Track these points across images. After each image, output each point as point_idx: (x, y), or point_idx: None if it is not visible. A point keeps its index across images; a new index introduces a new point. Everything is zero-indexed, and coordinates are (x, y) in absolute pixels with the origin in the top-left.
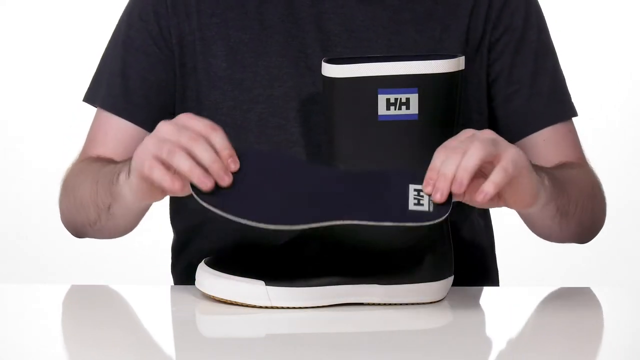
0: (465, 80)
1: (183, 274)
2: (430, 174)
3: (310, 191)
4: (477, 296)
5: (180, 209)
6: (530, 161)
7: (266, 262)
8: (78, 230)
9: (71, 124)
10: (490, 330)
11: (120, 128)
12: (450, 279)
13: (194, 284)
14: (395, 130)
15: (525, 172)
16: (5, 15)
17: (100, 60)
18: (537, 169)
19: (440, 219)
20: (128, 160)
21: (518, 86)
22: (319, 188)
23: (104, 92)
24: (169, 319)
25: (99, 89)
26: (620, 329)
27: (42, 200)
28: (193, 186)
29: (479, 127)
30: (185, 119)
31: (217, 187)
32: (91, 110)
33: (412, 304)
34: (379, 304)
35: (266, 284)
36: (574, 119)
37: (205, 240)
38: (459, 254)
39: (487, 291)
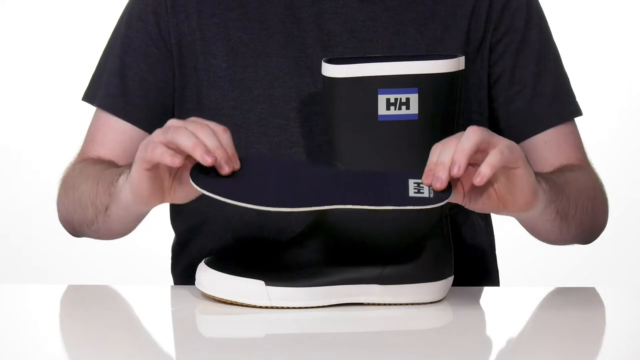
0: (466, 81)
1: (183, 274)
2: (427, 167)
3: (311, 181)
4: (477, 296)
5: (180, 210)
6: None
7: (266, 262)
8: (75, 229)
9: (70, 123)
10: (490, 330)
11: (118, 128)
12: (450, 279)
13: (194, 284)
14: (395, 130)
15: (522, 162)
16: (5, 15)
17: (99, 60)
18: (535, 174)
19: (442, 203)
20: (130, 164)
21: (520, 87)
22: (320, 182)
23: (102, 92)
24: (169, 319)
25: (98, 88)
26: (620, 329)
27: (41, 200)
28: (192, 172)
29: None
30: (197, 118)
31: (216, 174)
32: (90, 110)
33: (412, 304)
34: (379, 304)
35: (266, 284)
36: (578, 118)
37: (205, 241)
38: (459, 254)
39: (487, 291)
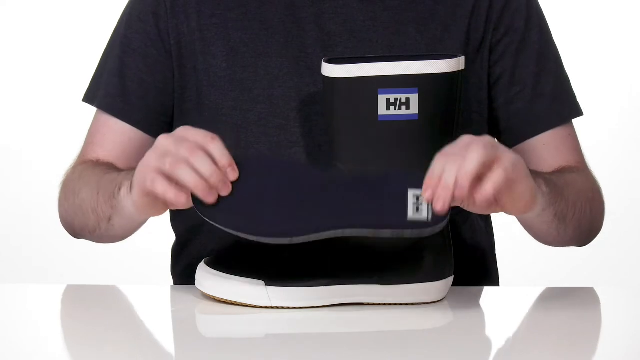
0: (466, 81)
1: (183, 275)
2: (429, 180)
3: (310, 200)
4: (477, 296)
5: (180, 210)
6: (528, 168)
7: (266, 262)
8: (76, 233)
9: (70, 123)
10: (490, 330)
11: (118, 130)
12: (450, 279)
13: (194, 284)
14: (395, 130)
15: (523, 176)
16: (5, 15)
17: (100, 60)
18: (535, 175)
19: (438, 229)
20: (129, 171)
21: (520, 88)
22: (318, 196)
23: (102, 93)
24: (169, 319)
25: (98, 89)
26: (619, 329)
27: (41, 200)
28: (194, 199)
29: (479, 128)
30: (183, 131)
31: (218, 197)
32: (90, 111)
33: (412, 304)
34: (379, 304)
35: (266, 284)
36: (578, 118)
37: (204, 241)
38: (460, 255)
39: (487, 291)
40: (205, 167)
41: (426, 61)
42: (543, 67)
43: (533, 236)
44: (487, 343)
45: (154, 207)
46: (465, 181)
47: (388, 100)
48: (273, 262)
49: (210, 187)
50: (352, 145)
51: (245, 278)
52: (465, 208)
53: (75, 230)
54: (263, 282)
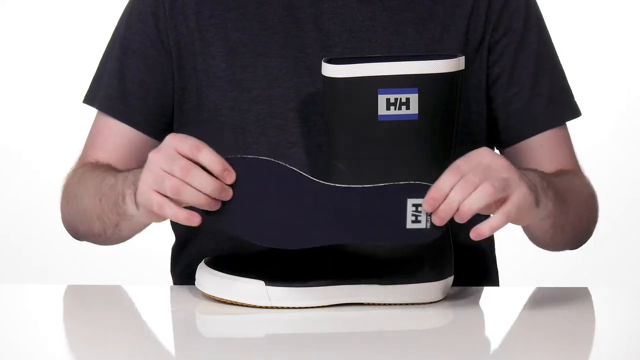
0: (465, 81)
1: (183, 275)
2: (434, 192)
3: (310, 210)
4: (477, 296)
5: None
6: (541, 174)
7: (266, 262)
8: (80, 236)
9: (70, 123)
10: (490, 330)
11: (118, 131)
12: (450, 279)
13: (193, 284)
14: (395, 130)
15: (527, 212)
16: (5, 15)
17: (100, 62)
18: (546, 183)
19: (436, 236)
20: (125, 176)
21: (519, 88)
22: (316, 207)
23: (102, 94)
24: (169, 319)
25: (98, 90)
26: (619, 329)
27: (41, 200)
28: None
29: (478, 128)
30: (172, 142)
31: (222, 204)
32: (90, 111)
33: (412, 304)
34: (379, 304)
35: (266, 284)
36: (577, 119)
37: (204, 241)
38: (459, 255)
39: (487, 291)
40: (204, 184)
41: (426, 61)
42: (541, 68)
43: (528, 236)
44: (487, 343)
45: (162, 218)
46: (467, 215)
47: (388, 100)
48: (273, 262)
49: (213, 198)
50: (352, 145)
51: (245, 278)
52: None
53: (79, 234)
54: (263, 282)
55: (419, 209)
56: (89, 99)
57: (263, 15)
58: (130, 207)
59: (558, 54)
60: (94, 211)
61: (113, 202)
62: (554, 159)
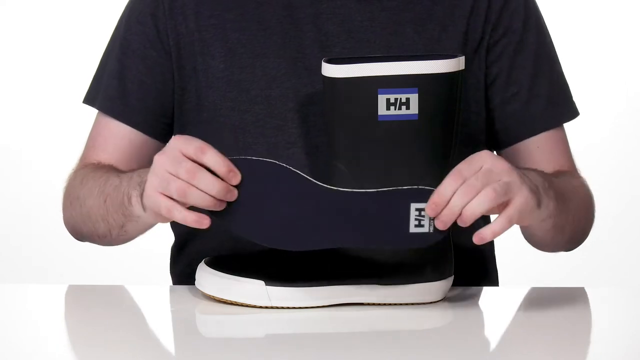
0: (464, 81)
1: (182, 275)
2: (436, 197)
3: (313, 212)
4: (477, 296)
5: None
6: (542, 174)
7: (266, 262)
8: (84, 237)
9: (70, 123)
10: (490, 330)
11: (119, 132)
12: (450, 279)
13: (193, 284)
14: (395, 130)
15: (529, 215)
16: (5, 15)
17: (100, 62)
18: (547, 183)
19: (439, 239)
20: (130, 177)
21: (517, 89)
22: (319, 210)
23: (102, 95)
24: (169, 318)
25: (98, 91)
26: (617, 329)
27: (41, 200)
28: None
29: (478, 128)
30: (176, 144)
31: (227, 204)
32: (91, 112)
33: (412, 304)
34: (379, 304)
35: (266, 284)
36: (576, 118)
37: (203, 241)
38: (459, 255)
39: (487, 291)
40: (209, 186)
41: (426, 61)
42: (540, 69)
43: (526, 238)
44: (487, 343)
45: (169, 220)
46: (470, 219)
47: (388, 100)
48: (273, 262)
49: (219, 199)
50: (352, 145)
51: (245, 278)
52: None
53: (83, 235)
54: (263, 282)
55: (422, 213)
56: (89, 99)
57: (262, 15)
58: (136, 208)
59: (557, 55)
60: (98, 212)
61: (118, 203)
62: (551, 160)
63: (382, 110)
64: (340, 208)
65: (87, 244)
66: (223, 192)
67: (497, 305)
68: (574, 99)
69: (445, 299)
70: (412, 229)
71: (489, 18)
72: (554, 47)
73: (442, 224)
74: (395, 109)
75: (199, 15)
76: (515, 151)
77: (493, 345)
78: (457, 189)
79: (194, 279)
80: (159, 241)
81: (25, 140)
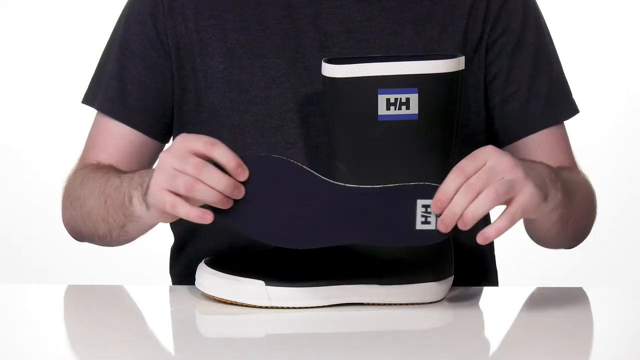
0: (464, 81)
1: (181, 275)
2: (440, 195)
3: (322, 210)
4: (477, 296)
5: None
6: (548, 166)
7: (266, 262)
8: (83, 238)
9: (70, 123)
10: (490, 330)
11: (118, 132)
12: (450, 279)
13: (192, 285)
14: (395, 130)
15: (535, 209)
16: (5, 15)
17: (99, 62)
18: (554, 175)
19: (446, 237)
20: (131, 177)
21: (516, 88)
22: (330, 207)
23: (101, 95)
24: (169, 318)
25: (97, 91)
26: (618, 329)
27: (41, 200)
28: (211, 207)
29: (477, 128)
30: (183, 142)
31: (234, 202)
32: (90, 112)
33: (412, 304)
34: (379, 304)
35: (266, 284)
36: (575, 116)
37: (203, 241)
38: (459, 255)
39: (486, 291)
40: (217, 181)
41: (426, 61)
42: (539, 68)
43: (530, 234)
44: (487, 343)
45: (173, 217)
46: (471, 222)
47: (388, 100)
48: (273, 262)
49: (226, 196)
50: (352, 145)
51: (245, 278)
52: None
53: (83, 236)
54: (263, 282)
55: (429, 210)
56: (88, 100)
57: (261, 15)
58: (137, 208)
59: (557, 54)
60: (98, 213)
61: (119, 203)
62: (552, 157)
63: (382, 110)
64: (347, 205)
65: (86, 244)
66: (230, 188)
67: (497, 305)
68: (574, 98)
69: (445, 299)
70: (419, 226)
71: (487, 18)
72: (553, 47)
73: (444, 226)
74: (395, 109)
75: (198, 16)
76: (515, 149)
77: (493, 345)
78: (459, 187)
79: (194, 280)
80: (159, 241)
81: (25, 140)
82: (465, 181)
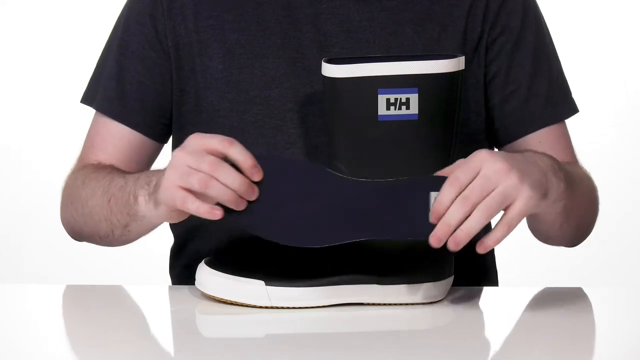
0: (464, 81)
1: (181, 276)
2: (437, 206)
3: (335, 207)
4: (477, 296)
5: None
6: (551, 157)
7: (266, 262)
8: (83, 237)
9: (70, 124)
10: (490, 330)
11: (117, 133)
12: (450, 279)
13: (192, 285)
14: (395, 130)
15: (533, 212)
16: (5, 15)
17: (97, 62)
18: (557, 165)
19: None
20: (137, 177)
21: (515, 87)
22: (342, 204)
23: (100, 95)
24: (169, 318)
25: (96, 91)
26: (618, 329)
27: (41, 200)
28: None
29: (477, 127)
30: (198, 140)
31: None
32: (89, 111)
33: (412, 304)
34: (379, 304)
35: (266, 284)
36: (575, 116)
37: (203, 241)
38: (459, 255)
39: (486, 291)
40: (232, 180)
41: (426, 61)
42: (538, 67)
43: (533, 229)
44: (487, 343)
45: (181, 216)
46: (464, 240)
47: (388, 100)
48: (273, 262)
49: (239, 196)
50: (352, 145)
51: (245, 278)
52: None
53: (83, 235)
54: (263, 282)
55: None
56: (87, 100)
57: (261, 16)
58: (142, 207)
59: (557, 52)
60: (101, 212)
61: (123, 202)
62: (553, 155)
63: (382, 110)
64: (364, 200)
65: (86, 244)
66: (244, 187)
67: (497, 305)
68: (574, 97)
69: (445, 299)
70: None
71: (487, 17)
72: (553, 46)
73: (437, 241)
74: (395, 109)
75: (197, 16)
76: (516, 148)
77: (493, 345)
78: (455, 198)
79: (194, 280)
80: (159, 241)
81: (25, 140)
82: (460, 191)
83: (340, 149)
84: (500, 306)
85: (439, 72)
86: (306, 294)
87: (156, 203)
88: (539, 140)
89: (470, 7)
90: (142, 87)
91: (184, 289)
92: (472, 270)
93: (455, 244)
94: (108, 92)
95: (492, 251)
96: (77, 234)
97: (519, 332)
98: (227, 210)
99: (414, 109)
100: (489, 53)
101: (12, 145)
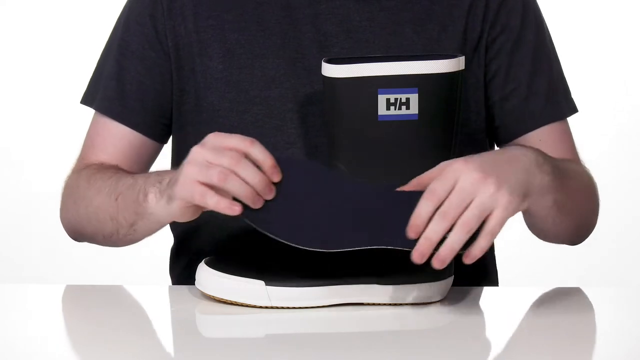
0: (464, 81)
1: (181, 276)
2: (415, 220)
3: (349, 212)
4: (477, 296)
5: None
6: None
7: (266, 262)
8: (84, 237)
9: (70, 124)
10: (490, 330)
11: (117, 133)
12: (450, 279)
13: (192, 285)
14: (395, 130)
15: (514, 214)
16: (5, 15)
17: (97, 63)
18: (542, 158)
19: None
20: (147, 176)
21: (515, 85)
22: (356, 206)
23: (100, 96)
24: (169, 319)
25: (96, 91)
26: (619, 329)
27: (41, 200)
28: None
29: (477, 127)
30: (218, 138)
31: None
32: (89, 112)
33: (412, 304)
34: (379, 304)
35: (266, 284)
36: (575, 115)
37: (203, 242)
38: (459, 255)
39: (486, 291)
40: (251, 176)
41: (426, 61)
42: (538, 66)
43: (529, 226)
44: (487, 343)
45: (194, 213)
46: (449, 257)
47: (388, 100)
48: (273, 262)
49: (257, 193)
50: (352, 145)
51: (245, 278)
52: None
53: (85, 235)
54: (263, 282)
55: None
56: (87, 100)
57: (261, 16)
58: (151, 204)
59: (557, 51)
60: (107, 211)
61: (132, 200)
62: (554, 154)
63: (382, 110)
64: (380, 208)
65: (86, 244)
66: (263, 184)
67: (497, 305)
68: (574, 97)
69: (445, 299)
70: None
71: (487, 16)
72: (553, 45)
73: (420, 256)
74: (395, 109)
75: (197, 16)
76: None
77: (493, 345)
78: (432, 211)
79: (194, 280)
80: (159, 241)
81: (25, 140)
82: (437, 204)
83: (340, 149)
84: (500, 306)
85: (439, 72)
86: (306, 294)
87: (170, 199)
88: (539, 138)
89: (470, 6)
90: (142, 87)
91: (184, 289)
92: (472, 270)
93: (440, 262)
94: (108, 92)
95: (492, 251)
96: (78, 234)
97: (519, 332)
98: (243, 206)
99: (414, 109)
100: (489, 52)
101: (12, 145)
